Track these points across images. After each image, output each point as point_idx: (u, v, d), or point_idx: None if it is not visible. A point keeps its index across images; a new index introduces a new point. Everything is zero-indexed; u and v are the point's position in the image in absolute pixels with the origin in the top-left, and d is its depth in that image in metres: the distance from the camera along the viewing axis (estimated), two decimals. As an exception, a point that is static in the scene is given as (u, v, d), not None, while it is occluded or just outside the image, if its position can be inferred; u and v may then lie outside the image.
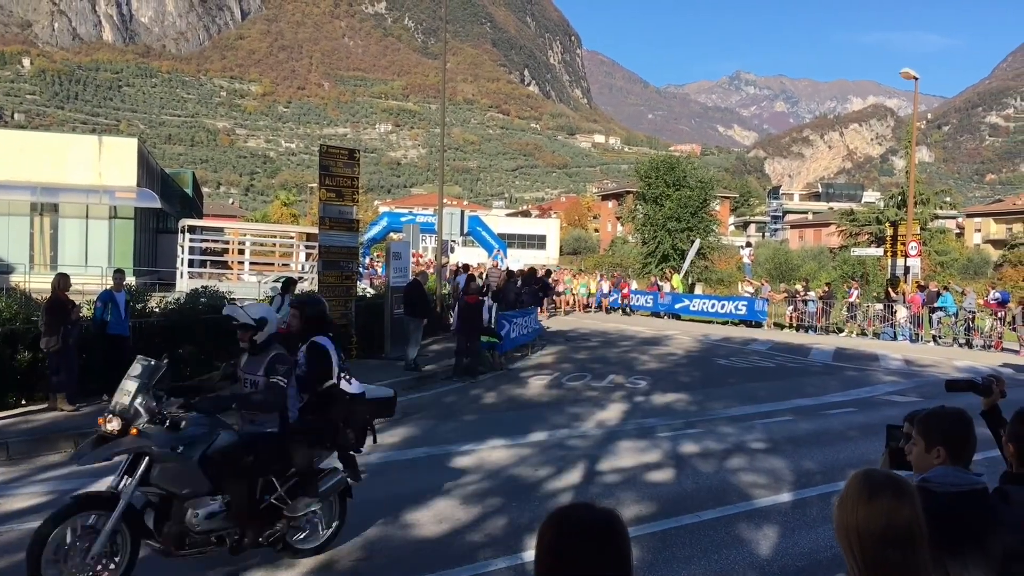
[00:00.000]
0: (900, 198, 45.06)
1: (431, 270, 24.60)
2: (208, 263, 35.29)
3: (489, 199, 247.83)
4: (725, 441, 10.37)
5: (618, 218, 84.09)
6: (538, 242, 78.44)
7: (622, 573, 1.79)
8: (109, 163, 33.08)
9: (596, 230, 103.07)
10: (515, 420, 11.62)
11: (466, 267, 24.39)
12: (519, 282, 22.67)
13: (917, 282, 28.14)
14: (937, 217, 51.17)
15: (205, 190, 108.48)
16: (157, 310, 14.16)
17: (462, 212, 26.51)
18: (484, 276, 25.62)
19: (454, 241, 29.06)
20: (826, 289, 29.55)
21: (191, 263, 32.89)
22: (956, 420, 2.89)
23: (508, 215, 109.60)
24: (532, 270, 25.40)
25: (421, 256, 34.60)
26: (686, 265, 36.30)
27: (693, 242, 38.81)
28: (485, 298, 19.23)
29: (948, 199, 55.08)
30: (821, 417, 12.23)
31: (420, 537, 6.68)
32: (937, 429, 2.87)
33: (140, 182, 33.76)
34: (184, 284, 29.13)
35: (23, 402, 11.23)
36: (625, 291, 35.36)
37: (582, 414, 12.11)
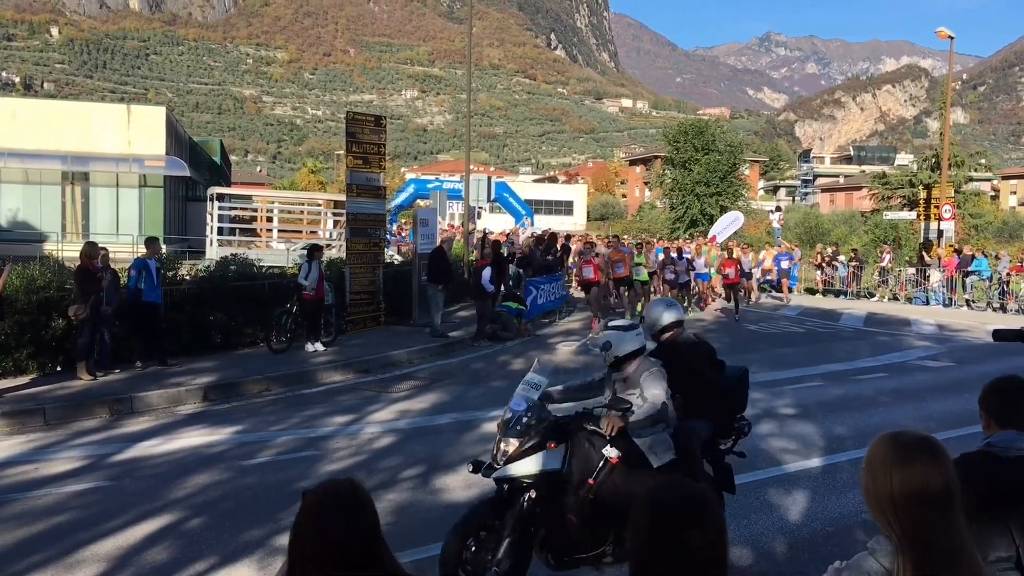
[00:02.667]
0: (934, 160, 44.24)
1: (459, 236, 24.55)
2: (237, 231, 35.46)
3: (516, 165, 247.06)
4: (754, 407, 10.28)
5: (646, 183, 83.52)
6: (565, 208, 77.99)
7: (717, 552, 1.79)
8: (138, 132, 33.21)
9: (624, 196, 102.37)
10: (543, 386, 11.60)
11: (483, 235, 24.34)
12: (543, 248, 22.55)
13: (952, 246, 27.71)
14: (972, 180, 50.29)
15: (233, 158, 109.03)
16: (188, 278, 14.30)
17: (489, 178, 26.40)
18: (509, 243, 25.51)
19: (481, 208, 28.99)
20: (853, 255, 29.12)
21: (220, 231, 32.98)
22: (998, 385, 2.92)
23: (535, 181, 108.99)
24: (553, 235, 25.15)
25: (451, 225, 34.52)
26: (722, 237, 33.33)
27: (727, 212, 37.89)
28: (511, 264, 19.18)
29: (983, 161, 53.98)
30: (852, 382, 12.13)
31: (449, 502, 6.73)
32: (987, 398, 2.93)
33: (169, 150, 33.90)
34: (214, 252, 29.28)
35: (58, 369, 11.41)
36: (767, 263, 26.00)
37: (610, 380, 12.08)
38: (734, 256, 21.92)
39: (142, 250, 12.41)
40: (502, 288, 16.74)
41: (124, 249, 23.62)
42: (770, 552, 5.76)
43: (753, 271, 25.24)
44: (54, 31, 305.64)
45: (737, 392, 5.95)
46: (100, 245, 12.02)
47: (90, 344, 11.16)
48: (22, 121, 32.08)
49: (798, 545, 5.89)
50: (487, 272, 15.77)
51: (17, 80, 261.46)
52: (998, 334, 3.88)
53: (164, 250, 19.84)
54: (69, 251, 23.94)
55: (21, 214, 31.88)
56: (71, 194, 33.03)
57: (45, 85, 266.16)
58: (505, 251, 19.66)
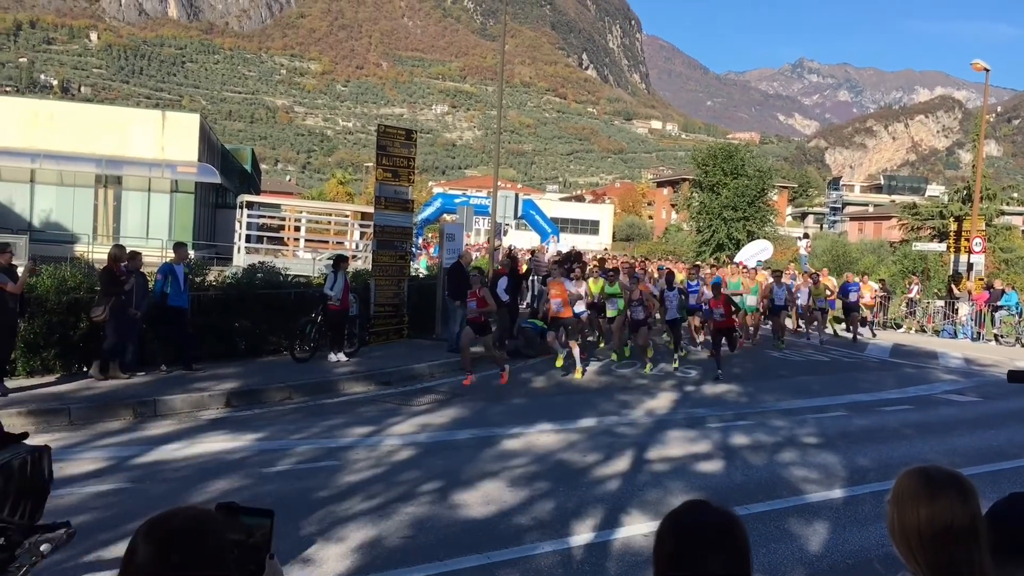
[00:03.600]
0: (966, 192, 43.84)
1: (482, 253, 24.58)
2: (265, 239, 35.78)
3: (543, 183, 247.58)
4: (776, 434, 10.23)
5: (673, 205, 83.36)
6: (591, 227, 78.06)
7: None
8: (172, 138, 33.69)
9: (650, 217, 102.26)
10: (564, 405, 11.61)
11: (508, 251, 24.29)
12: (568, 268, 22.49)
13: (982, 279, 27.39)
14: (1003, 213, 49.75)
15: (263, 167, 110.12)
16: (215, 284, 14.43)
17: (516, 195, 26.45)
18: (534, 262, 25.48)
19: (508, 225, 28.98)
20: (880, 285, 28.79)
21: (248, 238, 33.30)
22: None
23: (561, 199, 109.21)
24: (578, 254, 25.02)
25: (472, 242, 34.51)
26: (751, 264, 30.91)
27: (757, 240, 37.42)
28: (532, 278, 19.22)
29: (1015, 195, 53.57)
30: (876, 414, 12.00)
31: (467, 517, 6.71)
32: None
33: (201, 157, 34.34)
34: (241, 259, 29.55)
35: (84, 369, 11.53)
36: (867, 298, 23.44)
37: (631, 401, 12.06)
38: (722, 292, 15.95)
39: (171, 255, 12.55)
40: (519, 302, 16.82)
41: (153, 253, 23.89)
42: (789, 582, 5.69)
43: (796, 300, 21.90)
44: (93, 36, 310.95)
45: None
46: (133, 249, 12.18)
47: (118, 345, 11.29)
48: (59, 124, 32.66)
49: (818, 577, 5.81)
50: (503, 281, 15.89)
51: (55, 83, 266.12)
52: (1013, 376, 3.79)
53: (192, 255, 20.06)
54: (99, 253, 24.24)
55: (54, 215, 32.38)
56: (104, 197, 33.50)
57: (82, 89, 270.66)
58: (523, 267, 19.74)
